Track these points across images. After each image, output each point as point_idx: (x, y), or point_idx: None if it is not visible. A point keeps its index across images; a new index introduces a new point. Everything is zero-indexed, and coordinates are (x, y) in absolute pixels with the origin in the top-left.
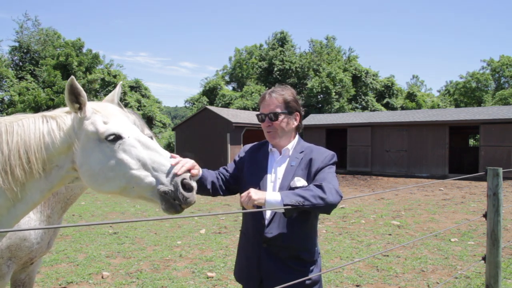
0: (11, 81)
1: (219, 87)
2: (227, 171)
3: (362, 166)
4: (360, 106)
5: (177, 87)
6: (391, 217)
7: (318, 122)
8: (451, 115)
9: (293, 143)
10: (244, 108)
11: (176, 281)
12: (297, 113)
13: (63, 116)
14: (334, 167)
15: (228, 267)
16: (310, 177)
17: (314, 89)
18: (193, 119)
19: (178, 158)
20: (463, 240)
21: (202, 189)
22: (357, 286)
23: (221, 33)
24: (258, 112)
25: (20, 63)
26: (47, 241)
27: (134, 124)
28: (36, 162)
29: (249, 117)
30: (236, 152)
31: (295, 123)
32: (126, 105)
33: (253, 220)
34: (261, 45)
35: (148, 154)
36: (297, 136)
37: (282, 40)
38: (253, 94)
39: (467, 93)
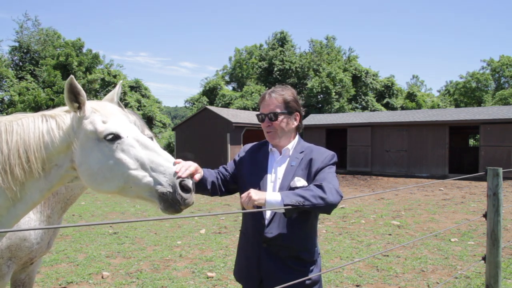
0: (11, 81)
1: (219, 87)
2: (226, 170)
3: (362, 166)
4: (360, 106)
5: (177, 87)
6: (391, 217)
7: (318, 122)
8: (451, 115)
9: (293, 143)
10: (244, 108)
11: (176, 281)
12: (297, 113)
13: (62, 115)
14: (334, 167)
15: (228, 267)
16: (310, 177)
17: (314, 89)
18: (193, 119)
19: (181, 162)
20: (463, 240)
21: (202, 189)
22: (357, 286)
23: (221, 33)
24: (258, 112)
25: (20, 63)
26: (47, 241)
27: (134, 125)
28: (35, 161)
29: (249, 117)
30: (236, 152)
31: (295, 123)
32: (126, 105)
33: (253, 220)
34: (261, 45)
35: (146, 154)
36: (297, 136)
37: (282, 40)
38: (253, 94)
39: (467, 93)
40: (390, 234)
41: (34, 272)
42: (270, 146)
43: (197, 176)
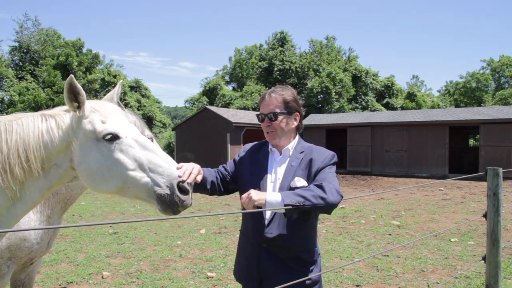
0: (11, 81)
1: (219, 87)
2: (226, 170)
3: (362, 166)
4: (360, 106)
5: (177, 87)
6: (391, 217)
7: (318, 122)
8: (451, 115)
9: (293, 143)
10: (244, 108)
11: (176, 281)
12: (297, 113)
13: (62, 115)
14: (334, 167)
15: (228, 267)
16: (310, 177)
17: (314, 89)
18: (193, 119)
19: (184, 165)
20: (463, 240)
21: (202, 188)
22: (357, 286)
23: (221, 33)
24: (258, 112)
25: (20, 63)
26: (47, 241)
27: (134, 125)
28: (35, 160)
29: (249, 117)
30: (236, 152)
31: (295, 123)
32: (126, 105)
33: (253, 220)
34: (261, 45)
35: (145, 154)
36: (297, 136)
37: (282, 40)
38: (253, 94)
39: (467, 93)
40: (390, 234)
41: (34, 272)
42: (270, 146)
43: (199, 178)
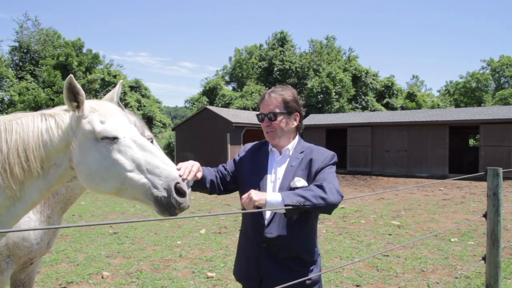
0: (11, 81)
1: (219, 87)
2: (226, 169)
3: (362, 166)
4: (360, 106)
5: (177, 87)
6: (391, 217)
7: (318, 122)
8: (451, 115)
9: (293, 143)
10: (244, 108)
11: (176, 281)
12: (297, 113)
13: (61, 114)
14: (334, 167)
15: (228, 267)
16: (310, 177)
17: (314, 89)
18: (193, 119)
19: (183, 164)
20: (463, 240)
21: (201, 187)
22: (357, 286)
23: (221, 33)
24: (258, 112)
25: (20, 63)
26: (47, 241)
27: (134, 126)
28: (34, 160)
29: (249, 117)
30: (236, 152)
31: (295, 123)
32: (126, 105)
33: (253, 220)
34: (261, 45)
35: (143, 155)
36: (297, 136)
37: (282, 40)
38: (253, 94)
39: (467, 93)
40: (390, 234)
41: (34, 272)
42: (270, 146)
43: (199, 175)
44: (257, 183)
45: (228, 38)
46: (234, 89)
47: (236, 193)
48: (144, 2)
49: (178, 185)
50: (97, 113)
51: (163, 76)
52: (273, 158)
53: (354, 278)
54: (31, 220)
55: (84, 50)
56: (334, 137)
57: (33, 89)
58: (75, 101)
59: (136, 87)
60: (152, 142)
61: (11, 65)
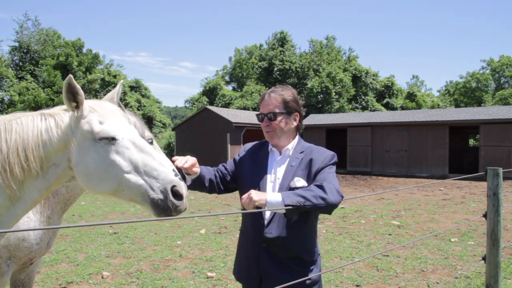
0: (11, 81)
1: (219, 87)
2: (226, 169)
3: (362, 166)
4: (360, 106)
5: (177, 87)
6: (391, 217)
7: (318, 122)
8: (451, 115)
9: (293, 143)
10: (244, 108)
11: (176, 281)
12: (297, 113)
13: (61, 114)
14: (334, 167)
15: (228, 267)
16: (310, 178)
17: (314, 89)
18: (193, 119)
19: (179, 157)
20: (463, 240)
21: (200, 186)
22: (357, 286)
23: (221, 33)
24: (258, 112)
25: (20, 63)
26: (47, 241)
27: (134, 126)
28: (34, 160)
29: (249, 117)
30: (236, 152)
31: (295, 124)
32: (126, 105)
33: (252, 220)
34: (261, 45)
35: (141, 157)
36: (297, 136)
37: (282, 40)
38: (253, 94)
39: (467, 93)
40: (390, 234)
41: (33, 272)
42: (270, 146)
43: (196, 169)
44: (257, 183)
45: (228, 38)
46: (234, 89)
47: (236, 193)
48: (144, 2)
49: (175, 188)
50: (96, 113)
51: (163, 76)
52: (273, 158)
53: (354, 278)
54: (30, 220)
55: (84, 50)
56: (334, 137)
57: (33, 89)
58: (74, 101)
59: (136, 87)
60: (152, 142)
61: (11, 65)
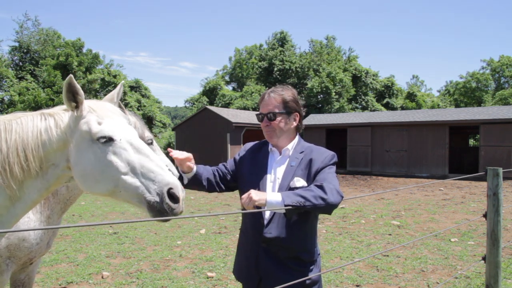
0: (11, 81)
1: (219, 87)
2: (226, 168)
3: (362, 166)
4: (360, 106)
5: (177, 87)
6: (391, 217)
7: (318, 122)
8: (451, 115)
9: (293, 143)
10: (244, 108)
11: (176, 281)
12: (297, 113)
13: (61, 114)
14: (334, 167)
15: (228, 267)
16: (310, 178)
17: (314, 89)
18: (193, 119)
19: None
20: (463, 240)
21: (197, 184)
22: (357, 286)
23: (221, 33)
24: (257, 112)
25: (20, 63)
26: (46, 241)
27: (134, 127)
28: (33, 160)
29: (249, 117)
30: (236, 152)
31: (294, 124)
32: (126, 105)
33: (252, 219)
34: (261, 45)
35: (138, 158)
36: (297, 136)
37: (282, 40)
38: (253, 94)
39: (467, 93)
40: (390, 234)
41: (33, 272)
42: (270, 146)
43: (191, 165)
44: (257, 182)
45: (228, 38)
46: (234, 89)
47: (236, 193)
48: (144, 2)
49: (171, 190)
50: (95, 113)
51: (163, 76)
52: (273, 158)
53: (354, 278)
54: (30, 220)
55: (84, 50)
56: (334, 137)
57: (33, 89)
58: (74, 101)
59: (136, 87)
60: (152, 143)
61: (11, 65)
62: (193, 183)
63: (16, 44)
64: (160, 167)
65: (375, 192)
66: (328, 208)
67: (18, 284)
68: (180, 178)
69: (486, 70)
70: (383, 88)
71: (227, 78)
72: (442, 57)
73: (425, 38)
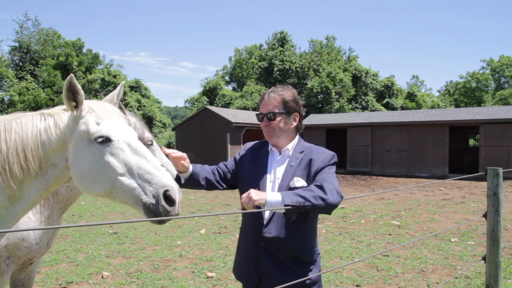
0: (11, 81)
1: (219, 87)
2: (226, 167)
3: (362, 166)
4: (360, 106)
5: (177, 87)
6: (391, 217)
7: (318, 122)
8: (451, 115)
9: (293, 143)
10: (244, 108)
11: (176, 281)
12: (296, 113)
13: (60, 114)
14: (334, 168)
15: (228, 267)
16: (309, 178)
17: (314, 89)
18: (193, 119)
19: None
20: (463, 240)
21: (195, 184)
22: (357, 286)
23: (221, 33)
24: (257, 112)
25: (20, 63)
26: (46, 241)
27: (134, 128)
28: (33, 159)
29: (249, 117)
30: (236, 152)
31: (294, 124)
32: (126, 105)
33: (252, 219)
34: (261, 45)
35: (135, 159)
36: (297, 136)
37: (282, 40)
38: (253, 94)
39: (467, 93)
40: (390, 234)
41: (33, 272)
42: (270, 146)
43: (185, 164)
44: (257, 182)
45: (228, 38)
46: (234, 89)
47: (236, 193)
48: (144, 2)
49: (167, 192)
50: (93, 113)
51: (163, 76)
52: (272, 158)
53: (354, 278)
54: (30, 220)
55: (84, 50)
56: (334, 137)
57: (33, 89)
58: (74, 100)
59: (136, 87)
60: (152, 144)
61: (11, 65)
62: (190, 182)
63: (16, 44)
64: (157, 169)
65: (375, 192)
66: (328, 208)
67: (18, 284)
68: (178, 179)
69: (486, 70)
70: (383, 88)
71: (227, 78)
72: (442, 57)
73: (425, 38)
